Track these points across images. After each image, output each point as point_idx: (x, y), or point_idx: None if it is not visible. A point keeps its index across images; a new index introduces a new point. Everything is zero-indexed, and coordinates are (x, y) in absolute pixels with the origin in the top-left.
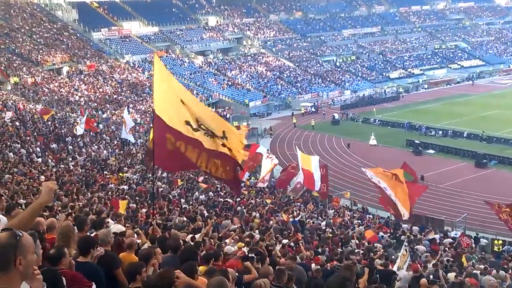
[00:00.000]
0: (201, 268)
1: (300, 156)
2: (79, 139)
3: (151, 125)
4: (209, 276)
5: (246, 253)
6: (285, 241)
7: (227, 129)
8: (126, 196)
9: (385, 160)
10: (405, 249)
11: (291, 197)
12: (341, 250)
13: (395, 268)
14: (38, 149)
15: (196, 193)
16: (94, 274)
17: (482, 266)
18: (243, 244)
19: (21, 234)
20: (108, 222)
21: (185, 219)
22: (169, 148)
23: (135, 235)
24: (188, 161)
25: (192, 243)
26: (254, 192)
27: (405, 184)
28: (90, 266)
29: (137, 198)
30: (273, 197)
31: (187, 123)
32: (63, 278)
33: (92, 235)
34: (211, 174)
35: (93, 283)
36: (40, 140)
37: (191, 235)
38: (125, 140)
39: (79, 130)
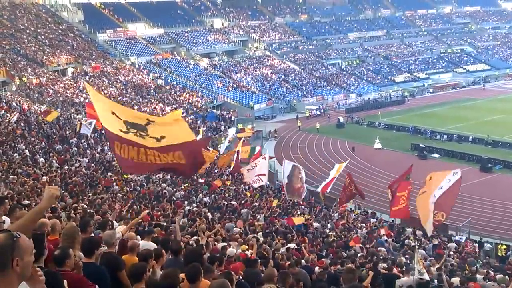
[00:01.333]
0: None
1: (338, 167)
2: (84, 140)
3: None
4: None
5: (249, 256)
6: (291, 245)
7: (148, 118)
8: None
9: (390, 164)
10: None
11: (295, 201)
12: (344, 253)
13: (416, 274)
14: (40, 150)
15: (200, 195)
16: (99, 274)
17: (485, 271)
18: (247, 247)
19: (18, 236)
20: (112, 223)
21: (185, 220)
22: (117, 152)
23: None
24: (143, 160)
25: (196, 245)
26: (258, 195)
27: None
28: (94, 266)
29: (141, 199)
30: (278, 200)
31: (120, 130)
32: (65, 280)
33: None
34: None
35: (96, 286)
36: (41, 141)
37: (195, 238)
38: None
39: (85, 129)
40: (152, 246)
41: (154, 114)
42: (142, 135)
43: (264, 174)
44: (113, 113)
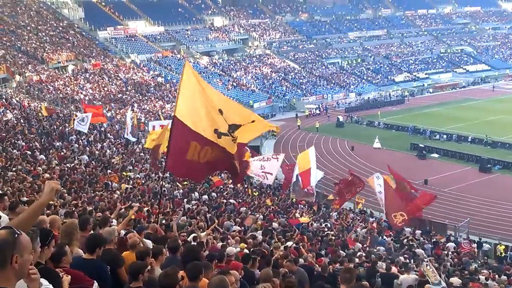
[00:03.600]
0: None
1: (298, 158)
2: (84, 137)
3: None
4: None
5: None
6: (289, 243)
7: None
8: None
9: (389, 163)
10: (426, 264)
11: (293, 199)
12: (343, 252)
13: (443, 283)
14: (40, 147)
15: (196, 193)
16: (100, 271)
17: (486, 271)
18: (246, 245)
19: (19, 233)
20: (112, 221)
21: (184, 218)
22: (189, 158)
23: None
24: (203, 170)
25: (194, 243)
26: (257, 193)
27: (396, 191)
28: (95, 263)
29: (140, 197)
30: (276, 198)
31: (215, 130)
32: (69, 276)
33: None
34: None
35: (95, 281)
36: (41, 137)
37: (193, 235)
38: (128, 139)
39: (79, 126)
40: (147, 243)
41: (155, 112)
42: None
43: (271, 174)
44: (220, 111)
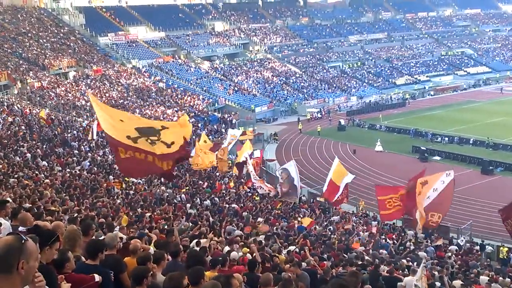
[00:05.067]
0: (208, 274)
1: (336, 165)
2: (85, 143)
3: None
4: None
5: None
6: (292, 247)
7: (163, 124)
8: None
9: (391, 166)
10: (424, 268)
11: (296, 203)
12: (346, 256)
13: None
14: (42, 153)
15: (198, 199)
16: (103, 276)
17: (487, 273)
18: (248, 250)
19: (26, 239)
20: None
21: (187, 223)
22: (123, 157)
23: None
24: (147, 165)
25: (198, 248)
26: (258, 198)
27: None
28: (98, 268)
29: (141, 203)
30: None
31: (128, 137)
32: (68, 284)
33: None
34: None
35: (95, 274)
36: (42, 144)
37: (196, 240)
38: None
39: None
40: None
41: (155, 117)
42: (153, 141)
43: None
44: (121, 120)
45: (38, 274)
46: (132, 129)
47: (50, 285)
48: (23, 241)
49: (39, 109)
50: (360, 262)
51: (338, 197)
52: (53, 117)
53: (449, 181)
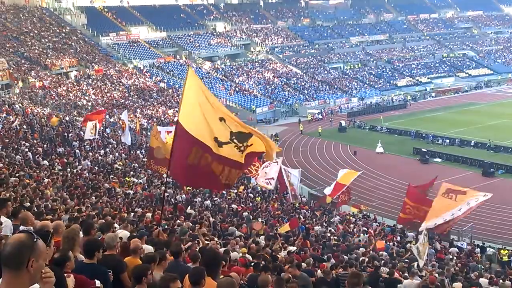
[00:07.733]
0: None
1: (344, 173)
2: (86, 143)
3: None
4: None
5: (249, 259)
6: (291, 248)
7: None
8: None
9: (392, 168)
10: (424, 239)
11: (296, 204)
12: (346, 257)
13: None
14: (43, 153)
15: (199, 198)
16: (100, 275)
17: (487, 275)
18: (246, 250)
19: (38, 238)
20: (115, 227)
21: (188, 223)
22: (190, 163)
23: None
24: (208, 178)
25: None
26: (259, 198)
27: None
28: (95, 267)
29: (142, 203)
30: (279, 203)
31: (216, 139)
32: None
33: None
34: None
35: (96, 280)
36: (43, 143)
37: (197, 240)
38: (130, 145)
39: (88, 135)
40: (148, 248)
41: (157, 117)
42: (242, 147)
43: (273, 179)
44: (221, 119)
45: (48, 270)
46: (227, 133)
47: (58, 283)
48: (35, 239)
49: (47, 113)
50: (360, 264)
51: (340, 194)
52: (63, 120)
53: (481, 202)
